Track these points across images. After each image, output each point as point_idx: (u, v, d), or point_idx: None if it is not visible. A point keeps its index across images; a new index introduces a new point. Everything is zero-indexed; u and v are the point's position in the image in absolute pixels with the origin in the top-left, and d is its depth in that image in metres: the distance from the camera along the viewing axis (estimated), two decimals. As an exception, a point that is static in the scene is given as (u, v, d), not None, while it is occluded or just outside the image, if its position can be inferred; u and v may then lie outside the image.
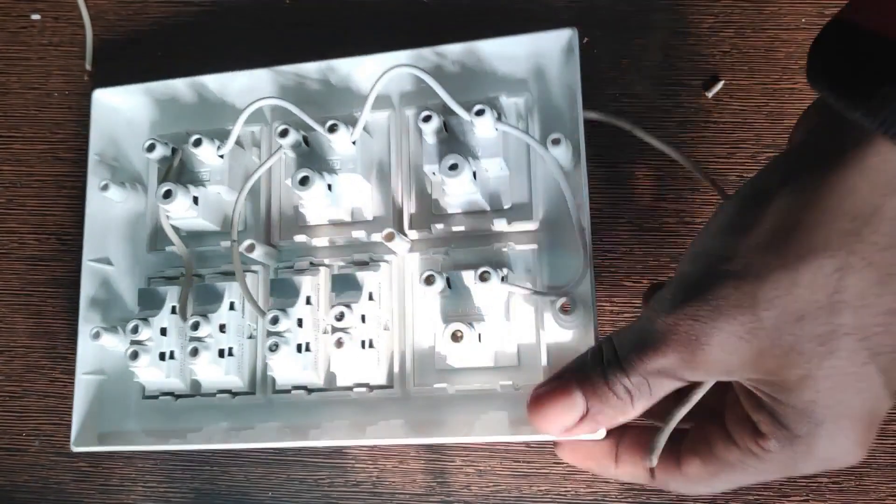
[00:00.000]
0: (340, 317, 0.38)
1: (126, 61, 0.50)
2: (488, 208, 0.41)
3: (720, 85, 0.45)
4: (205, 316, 0.40)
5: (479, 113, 0.39)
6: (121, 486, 0.44)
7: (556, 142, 0.39)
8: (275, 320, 0.39)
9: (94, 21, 0.50)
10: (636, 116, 0.45)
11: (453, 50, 0.42)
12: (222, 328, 0.41)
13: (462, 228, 0.41)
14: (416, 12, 0.47)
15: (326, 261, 0.42)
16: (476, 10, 0.47)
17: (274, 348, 0.38)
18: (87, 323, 0.43)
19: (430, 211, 0.42)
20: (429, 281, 0.38)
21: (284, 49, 0.47)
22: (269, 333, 0.39)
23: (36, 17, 0.50)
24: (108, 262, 0.45)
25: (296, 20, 0.48)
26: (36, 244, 0.47)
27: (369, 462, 0.43)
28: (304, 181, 0.39)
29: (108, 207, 0.45)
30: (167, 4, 0.50)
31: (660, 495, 0.41)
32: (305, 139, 0.42)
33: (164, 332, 0.41)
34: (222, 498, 0.43)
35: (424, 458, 0.42)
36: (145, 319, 0.41)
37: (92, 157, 0.45)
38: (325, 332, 0.41)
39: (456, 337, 0.37)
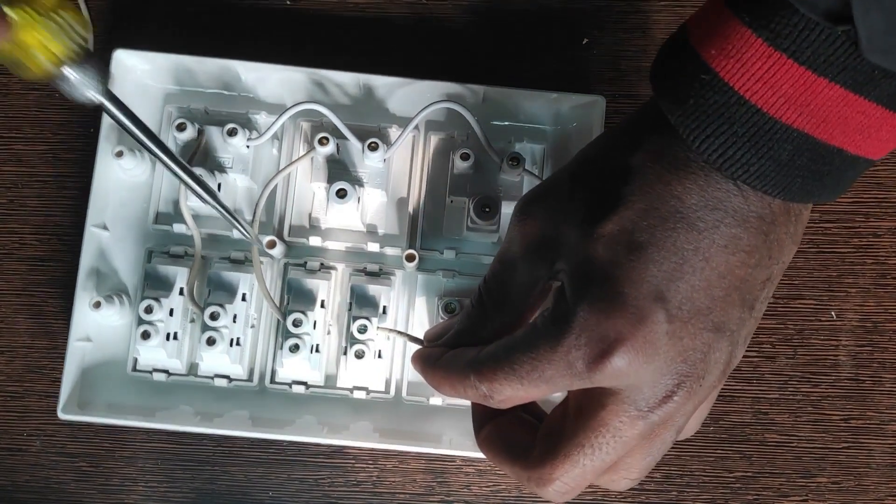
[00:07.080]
0: (363, 329, 0.41)
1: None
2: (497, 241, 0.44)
3: (719, 86, 0.48)
4: (222, 306, 0.41)
5: (514, 160, 0.42)
6: (121, 486, 0.44)
7: (574, 197, 0.43)
8: (297, 323, 0.41)
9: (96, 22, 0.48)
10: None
11: (488, 91, 0.44)
12: (234, 318, 0.42)
13: (472, 255, 0.44)
14: (416, 12, 0.48)
15: (337, 265, 0.44)
16: (475, 10, 0.48)
17: (294, 349, 0.41)
18: (84, 290, 0.43)
19: (441, 234, 0.45)
20: (448, 309, 0.41)
21: (283, 50, 0.48)
22: (289, 335, 0.41)
23: None
24: (106, 228, 0.44)
25: (296, 20, 0.48)
26: (37, 245, 0.46)
27: (370, 462, 0.45)
28: (341, 194, 0.41)
29: (114, 174, 0.44)
30: (172, 4, 0.48)
31: (659, 495, 0.45)
32: (336, 146, 0.43)
33: (171, 313, 0.42)
34: (222, 498, 0.44)
35: (425, 458, 0.45)
36: (157, 300, 0.41)
37: (105, 121, 0.44)
38: (328, 333, 0.43)
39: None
